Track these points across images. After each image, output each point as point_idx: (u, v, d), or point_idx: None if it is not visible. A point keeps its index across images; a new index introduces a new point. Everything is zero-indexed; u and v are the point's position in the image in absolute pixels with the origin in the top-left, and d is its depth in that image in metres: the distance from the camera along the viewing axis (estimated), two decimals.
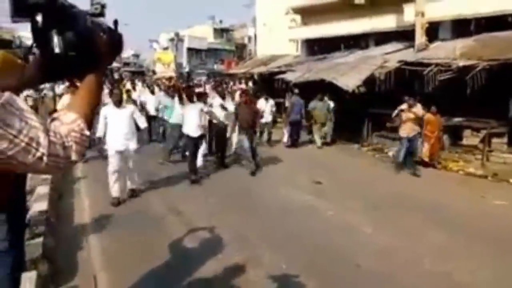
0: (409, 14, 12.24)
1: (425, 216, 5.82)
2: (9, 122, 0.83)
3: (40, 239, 3.98)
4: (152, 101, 11.72)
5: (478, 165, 8.84)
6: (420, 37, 11.68)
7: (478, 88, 9.05)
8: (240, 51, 45.66)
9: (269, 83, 16.66)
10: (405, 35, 12.83)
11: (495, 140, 9.50)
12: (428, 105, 8.75)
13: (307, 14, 17.38)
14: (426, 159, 8.93)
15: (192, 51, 43.17)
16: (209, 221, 5.38)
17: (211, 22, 47.49)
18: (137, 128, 6.52)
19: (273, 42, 19.73)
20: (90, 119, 1.05)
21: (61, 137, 0.93)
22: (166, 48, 38.97)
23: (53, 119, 0.97)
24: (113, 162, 6.11)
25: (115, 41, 1.17)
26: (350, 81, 11.18)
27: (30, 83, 1.30)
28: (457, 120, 10.26)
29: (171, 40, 41.15)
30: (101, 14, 1.15)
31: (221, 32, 47.65)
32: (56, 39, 1.01)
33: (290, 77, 14.30)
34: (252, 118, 8.23)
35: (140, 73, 38.12)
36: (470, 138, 9.98)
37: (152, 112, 11.46)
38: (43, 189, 5.51)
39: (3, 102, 0.83)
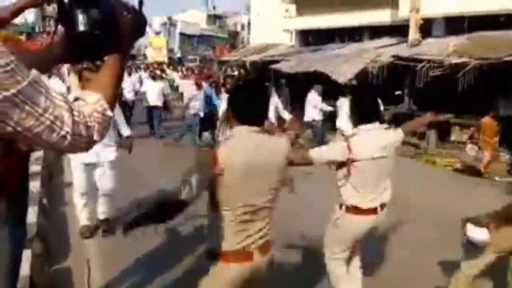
0: (404, 9, 12.32)
1: (411, 213, 5.95)
2: (36, 100, 0.84)
3: (34, 219, 3.98)
4: (155, 89, 11.10)
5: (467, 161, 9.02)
6: (413, 33, 11.79)
7: (468, 86, 9.20)
8: (233, 39, 45.43)
9: (262, 72, 16.65)
10: (399, 30, 12.93)
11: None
12: (422, 101, 8.87)
13: (302, 4, 17.33)
14: (483, 169, 8.20)
15: (184, 37, 42.82)
16: None
17: (204, 8, 47.10)
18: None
19: (267, 31, 19.64)
20: (113, 100, 1.06)
21: (84, 117, 0.94)
22: (158, 33, 38.53)
23: (76, 99, 0.99)
24: (79, 180, 4.35)
25: (138, 22, 1.14)
26: (343, 74, 11.25)
27: (55, 63, 1.31)
28: (446, 116, 10.43)
29: (164, 24, 40.72)
30: None
31: (214, 18, 47.30)
32: (81, 17, 1.01)
33: (283, 66, 14.33)
34: None
35: (131, 57, 37.59)
36: (458, 135, 10.16)
37: (154, 102, 10.91)
38: (35, 168, 5.48)
39: (30, 80, 0.84)
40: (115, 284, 3.56)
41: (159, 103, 11.12)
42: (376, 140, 2.81)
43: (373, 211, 2.86)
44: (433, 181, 7.89)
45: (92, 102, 0.99)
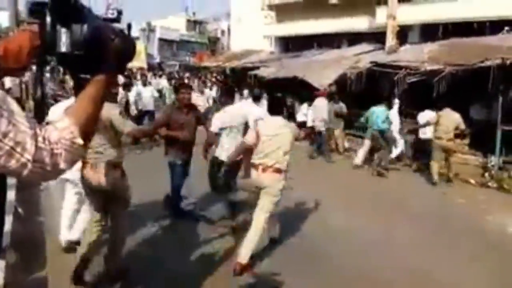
0: (381, 16, 12.61)
1: (393, 212, 6.06)
2: None
3: (9, 227, 3.87)
4: (148, 93, 11.50)
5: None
6: (390, 40, 12.06)
7: (443, 91, 9.43)
8: (213, 45, 45.39)
9: (242, 78, 16.69)
10: (376, 37, 13.20)
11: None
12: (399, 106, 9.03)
13: (282, 11, 17.51)
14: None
15: (164, 42, 42.51)
16: None
17: (184, 14, 46.92)
18: None
19: (247, 37, 19.75)
20: (87, 126, 1.00)
21: (50, 143, 0.89)
22: (137, 38, 38.19)
23: (47, 123, 0.95)
24: (69, 196, 4.14)
25: (126, 46, 1.10)
26: (322, 80, 11.38)
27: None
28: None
29: (143, 30, 40.37)
30: (117, 20, 1.13)
31: (194, 24, 47.17)
32: (63, 37, 0.99)
33: (263, 73, 14.40)
34: None
35: None
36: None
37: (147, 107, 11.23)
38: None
39: None
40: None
41: (151, 107, 11.56)
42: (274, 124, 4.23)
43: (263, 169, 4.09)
44: None
45: (61, 127, 0.93)
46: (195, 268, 4.04)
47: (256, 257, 4.20)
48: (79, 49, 1.00)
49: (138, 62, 28.92)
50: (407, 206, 6.41)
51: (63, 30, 0.99)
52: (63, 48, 1.00)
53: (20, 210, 4.54)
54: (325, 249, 4.59)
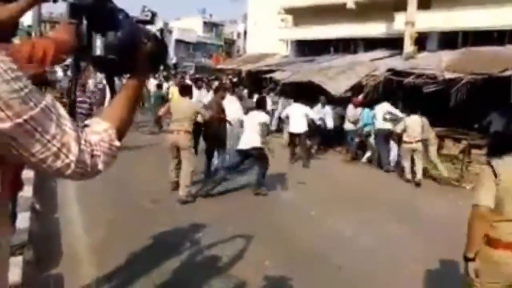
0: (399, 22, 12.52)
1: (399, 218, 6.01)
2: (45, 127, 0.84)
3: (26, 225, 3.95)
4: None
5: (457, 174, 9.10)
6: (408, 46, 11.95)
7: (461, 100, 9.32)
8: (229, 47, 45.62)
9: (257, 81, 16.74)
10: (393, 43, 13.10)
11: (474, 151, 9.80)
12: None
13: (299, 15, 17.52)
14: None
15: (180, 43, 42.90)
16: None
17: (201, 16, 47.28)
18: None
19: (263, 40, 19.82)
20: (123, 128, 1.04)
21: (91, 145, 0.93)
22: None
23: (85, 126, 0.98)
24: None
25: (159, 49, 1.13)
26: (338, 86, 11.33)
27: None
28: (439, 129, 10.53)
29: (160, 30, 40.72)
30: (151, 22, 1.15)
31: (210, 26, 47.52)
32: (98, 41, 1.02)
33: (278, 76, 14.42)
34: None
35: None
36: (451, 148, 10.25)
37: None
38: (28, 173, 5.43)
39: (43, 107, 0.84)
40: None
41: None
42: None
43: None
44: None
45: (100, 131, 0.98)
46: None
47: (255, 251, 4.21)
48: (113, 53, 1.02)
49: None
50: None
51: (98, 33, 1.02)
52: (98, 52, 1.02)
53: (37, 206, 4.61)
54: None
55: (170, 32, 42.03)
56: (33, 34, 12.74)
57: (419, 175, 8.44)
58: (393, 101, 9.96)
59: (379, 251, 4.84)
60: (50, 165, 0.87)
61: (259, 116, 6.83)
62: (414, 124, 8.52)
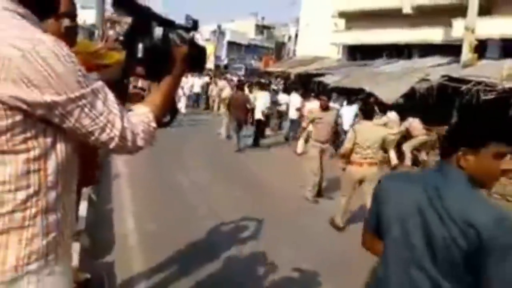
0: (457, 29, 12.01)
1: None
2: (94, 105, 1.04)
3: (84, 213, 4.25)
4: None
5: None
6: (467, 53, 11.43)
7: None
8: (279, 50, 45.68)
9: (306, 85, 16.68)
10: (450, 50, 12.59)
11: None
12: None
13: (352, 19, 17.27)
14: None
15: (232, 45, 43.58)
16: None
17: (253, 18, 47.74)
18: None
19: (314, 43, 19.67)
20: (160, 114, 1.25)
21: (132, 125, 1.13)
22: (207, 40, 39.52)
23: (129, 110, 1.18)
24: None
25: (196, 53, 1.34)
26: (390, 94, 11.06)
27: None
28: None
29: (213, 32, 41.69)
30: (193, 28, 1.33)
31: (262, 28, 47.85)
32: (140, 45, 1.21)
33: (328, 80, 14.30)
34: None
35: None
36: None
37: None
38: None
39: (93, 89, 1.03)
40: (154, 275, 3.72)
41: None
42: None
43: None
44: None
45: (140, 113, 1.19)
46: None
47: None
48: (153, 56, 1.23)
49: (207, 63, 30.01)
50: None
51: (139, 40, 1.22)
52: (139, 55, 1.22)
53: (93, 197, 4.95)
54: None
55: (223, 34, 42.85)
56: (96, 32, 13.41)
57: None
58: (448, 109, 9.59)
59: None
60: (97, 137, 1.06)
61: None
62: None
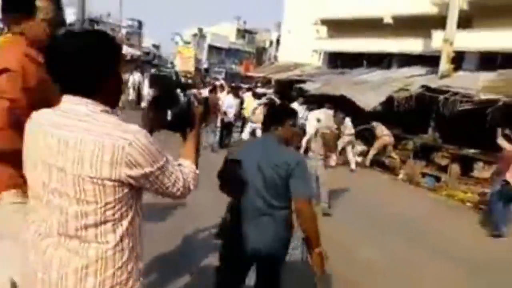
0: (437, 40, 12.25)
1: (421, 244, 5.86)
2: (168, 168, 1.40)
3: None
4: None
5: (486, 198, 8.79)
6: (444, 64, 11.68)
7: (496, 123, 9.01)
8: (260, 55, 45.82)
9: (285, 91, 16.72)
10: (429, 61, 12.84)
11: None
12: (447, 134, 8.74)
13: (334, 27, 17.45)
14: None
15: (213, 49, 43.47)
16: None
17: (235, 22, 47.73)
18: None
19: (295, 50, 19.80)
20: (196, 161, 1.64)
21: (186, 175, 1.50)
22: (188, 43, 39.25)
23: (179, 164, 1.53)
24: None
25: (207, 109, 1.84)
26: (369, 101, 11.20)
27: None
28: (470, 151, 10.24)
29: (194, 35, 41.49)
30: (193, 86, 1.69)
31: (244, 33, 47.90)
32: (169, 112, 1.63)
33: (308, 87, 14.38)
34: None
35: (153, 65, 30.87)
36: (481, 171, 9.93)
37: None
38: None
39: (166, 159, 1.39)
40: None
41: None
42: None
43: None
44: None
45: (186, 165, 1.57)
46: None
47: None
48: (179, 118, 1.66)
49: (187, 67, 29.74)
50: None
51: (168, 107, 1.64)
52: (169, 118, 1.64)
53: None
54: None
55: (204, 37, 42.70)
56: None
57: None
58: (425, 119, 9.76)
59: None
60: (170, 191, 1.43)
61: None
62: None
